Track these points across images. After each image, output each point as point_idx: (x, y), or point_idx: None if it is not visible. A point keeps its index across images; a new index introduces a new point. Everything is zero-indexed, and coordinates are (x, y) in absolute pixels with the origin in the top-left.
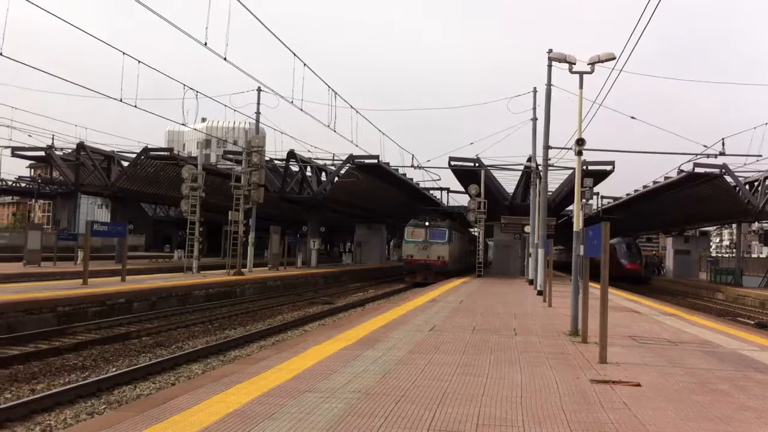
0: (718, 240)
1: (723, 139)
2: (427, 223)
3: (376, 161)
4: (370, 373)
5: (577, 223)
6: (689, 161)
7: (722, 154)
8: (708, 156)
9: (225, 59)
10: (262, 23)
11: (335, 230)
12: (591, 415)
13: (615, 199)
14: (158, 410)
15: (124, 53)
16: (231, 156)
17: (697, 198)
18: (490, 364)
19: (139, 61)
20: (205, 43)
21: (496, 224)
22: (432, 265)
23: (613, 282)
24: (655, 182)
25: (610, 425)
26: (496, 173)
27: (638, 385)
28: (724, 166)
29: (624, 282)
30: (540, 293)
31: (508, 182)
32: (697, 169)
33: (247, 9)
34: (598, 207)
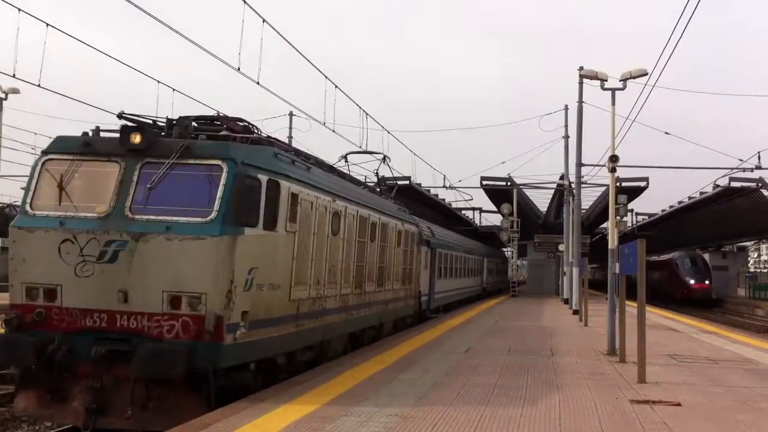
0: (756, 255)
1: (759, 152)
2: (137, 142)
3: (407, 182)
4: (406, 395)
5: (612, 241)
6: (725, 176)
7: (758, 167)
8: (744, 170)
9: (258, 83)
10: (293, 46)
11: None
12: None
13: (650, 215)
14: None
15: (159, 81)
16: None
17: (734, 213)
18: (527, 386)
19: (174, 89)
20: (239, 68)
21: (530, 243)
22: (140, 337)
23: (678, 306)
24: (690, 198)
25: None
26: (528, 192)
27: (678, 404)
28: (761, 179)
29: (691, 305)
30: (575, 312)
31: (541, 201)
32: (733, 184)
33: (280, 34)
34: (632, 224)
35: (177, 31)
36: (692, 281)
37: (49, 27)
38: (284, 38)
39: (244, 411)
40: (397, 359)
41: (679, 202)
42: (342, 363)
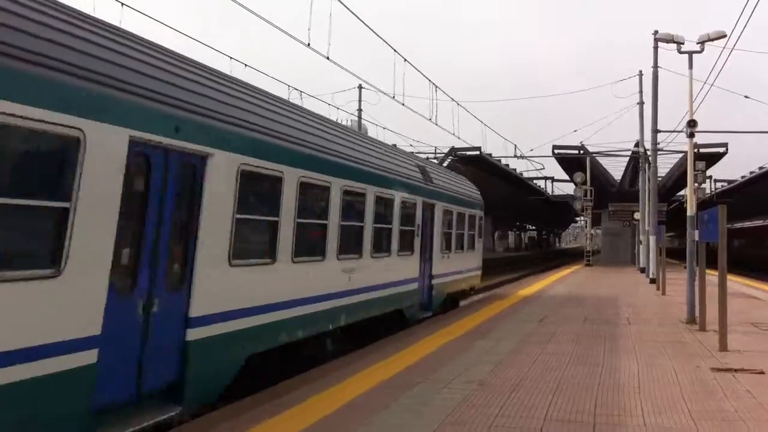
0: None
1: None
2: None
3: (478, 153)
4: (483, 363)
5: (691, 208)
6: None
7: None
8: None
9: (328, 58)
10: (362, 21)
11: None
12: (713, 404)
13: (729, 182)
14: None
15: (231, 57)
16: None
17: None
18: (604, 354)
19: (246, 65)
20: (309, 44)
21: (604, 212)
22: None
23: None
24: None
25: (734, 414)
26: (601, 160)
27: (762, 372)
28: None
29: None
30: (653, 281)
31: (615, 168)
32: None
33: (349, 10)
34: (711, 191)
35: (251, 11)
36: None
37: (124, 6)
38: (353, 13)
39: (317, 381)
40: (472, 328)
41: (760, 168)
42: (416, 332)
